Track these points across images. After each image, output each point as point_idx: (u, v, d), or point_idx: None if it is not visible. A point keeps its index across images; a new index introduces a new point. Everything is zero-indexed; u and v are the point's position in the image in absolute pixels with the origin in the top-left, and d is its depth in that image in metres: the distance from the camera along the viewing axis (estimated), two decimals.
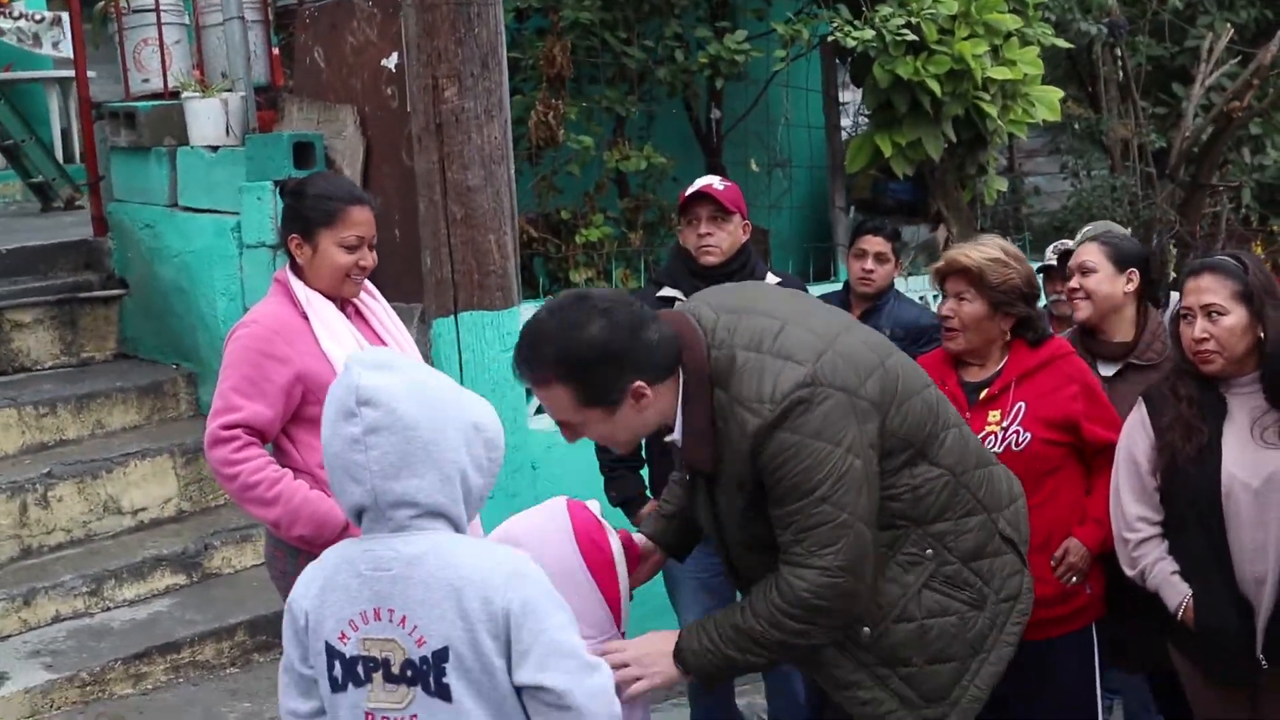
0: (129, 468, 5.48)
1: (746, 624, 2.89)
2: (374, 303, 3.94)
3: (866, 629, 2.99)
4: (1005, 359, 4.00)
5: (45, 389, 5.87)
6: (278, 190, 4.03)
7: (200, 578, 5.35)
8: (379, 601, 2.32)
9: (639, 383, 2.77)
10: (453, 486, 2.34)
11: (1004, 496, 3.22)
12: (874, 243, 5.33)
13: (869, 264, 5.31)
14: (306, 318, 3.71)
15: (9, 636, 4.96)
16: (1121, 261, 4.39)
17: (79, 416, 5.72)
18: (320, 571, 2.43)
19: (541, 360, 2.76)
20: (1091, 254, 4.40)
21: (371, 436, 2.28)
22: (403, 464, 2.30)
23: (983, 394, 3.95)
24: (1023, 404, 3.90)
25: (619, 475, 4.80)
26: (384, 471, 2.30)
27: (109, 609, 5.15)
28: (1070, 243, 5.19)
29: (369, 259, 3.79)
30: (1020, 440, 3.87)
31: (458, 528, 2.38)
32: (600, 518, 2.96)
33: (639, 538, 3.30)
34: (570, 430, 2.87)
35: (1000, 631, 3.12)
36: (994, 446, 3.86)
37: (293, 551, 3.63)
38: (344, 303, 3.84)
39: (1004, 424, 3.90)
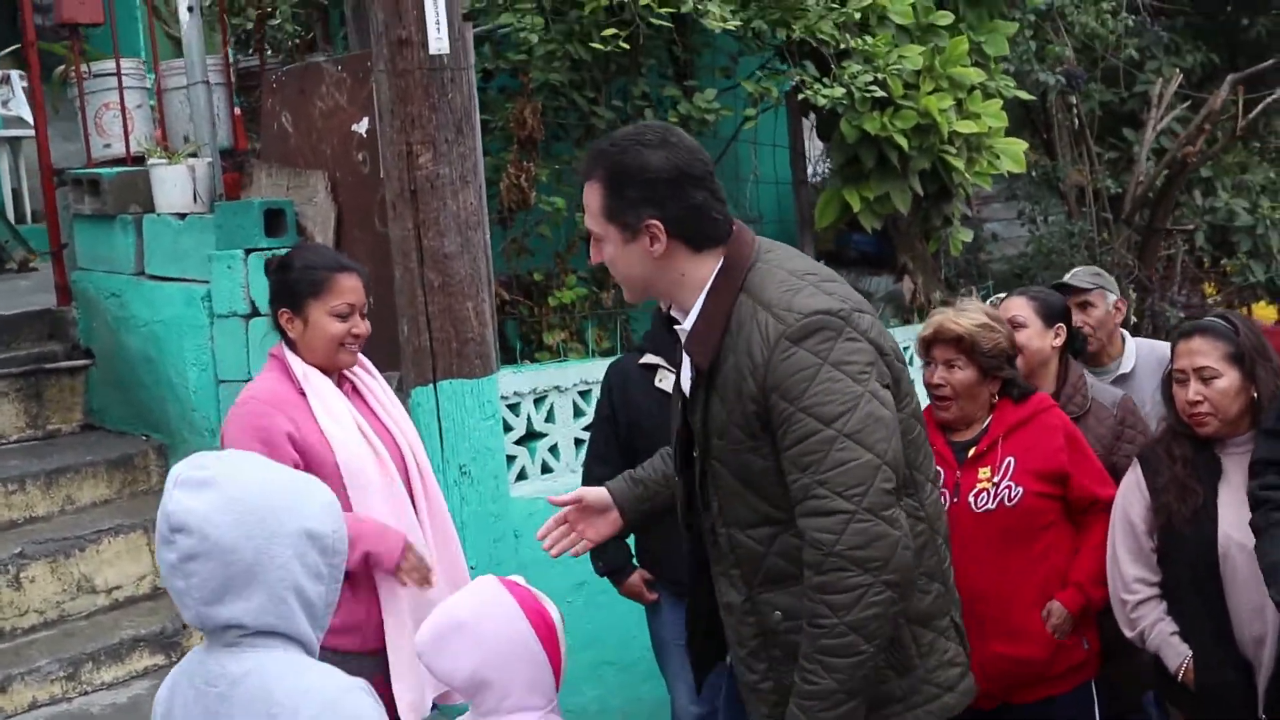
0: (102, 545, 5.37)
1: (812, 638, 2.77)
2: (370, 380, 3.92)
3: (779, 614, 2.92)
4: (990, 417, 4.01)
5: (12, 465, 5.75)
6: (264, 268, 3.99)
7: (179, 657, 5.24)
8: (208, 718, 2.24)
9: (655, 222, 2.79)
10: (284, 604, 2.21)
11: (956, 598, 3.15)
12: None
13: None
14: (304, 394, 3.67)
15: None
16: (1050, 316, 4.46)
17: (48, 492, 5.61)
18: (173, 676, 2.37)
19: (600, 154, 2.87)
20: (1020, 308, 4.45)
21: (189, 564, 2.16)
22: (225, 589, 2.17)
23: (971, 452, 3.96)
24: (1012, 459, 3.92)
25: (606, 544, 4.75)
26: (205, 598, 2.17)
27: (87, 693, 5.03)
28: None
29: (362, 327, 3.78)
30: (1013, 495, 3.89)
31: (300, 642, 2.26)
32: (530, 588, 3.02)
33: (594, 490, 3.42)
34: (596, 245, 2.91)
35: (906, 709, 2.97)
36: (987, 504, 3.88)
37: (323, 655, 3.55)
38: (340, 379, 3.79)
39: (995, 479, 3.91)
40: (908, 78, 6.43)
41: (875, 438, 2.72)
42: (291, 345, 3.77)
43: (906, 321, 7.29)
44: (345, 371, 3.86)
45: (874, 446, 2.72)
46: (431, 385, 5.07)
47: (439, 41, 5.08)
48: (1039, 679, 3.96)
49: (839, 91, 6.09)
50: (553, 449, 5.57)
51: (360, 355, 3.92)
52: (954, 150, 6.61)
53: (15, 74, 10.21)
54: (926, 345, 4.03)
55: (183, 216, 5.89)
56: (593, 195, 2.86)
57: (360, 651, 3.66)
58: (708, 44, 6.51)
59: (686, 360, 3.01)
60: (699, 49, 6.60)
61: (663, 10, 5.59)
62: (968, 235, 7.44)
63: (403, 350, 5.14)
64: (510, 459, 5.37)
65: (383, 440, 3.80)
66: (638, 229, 2.81)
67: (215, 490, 2.19)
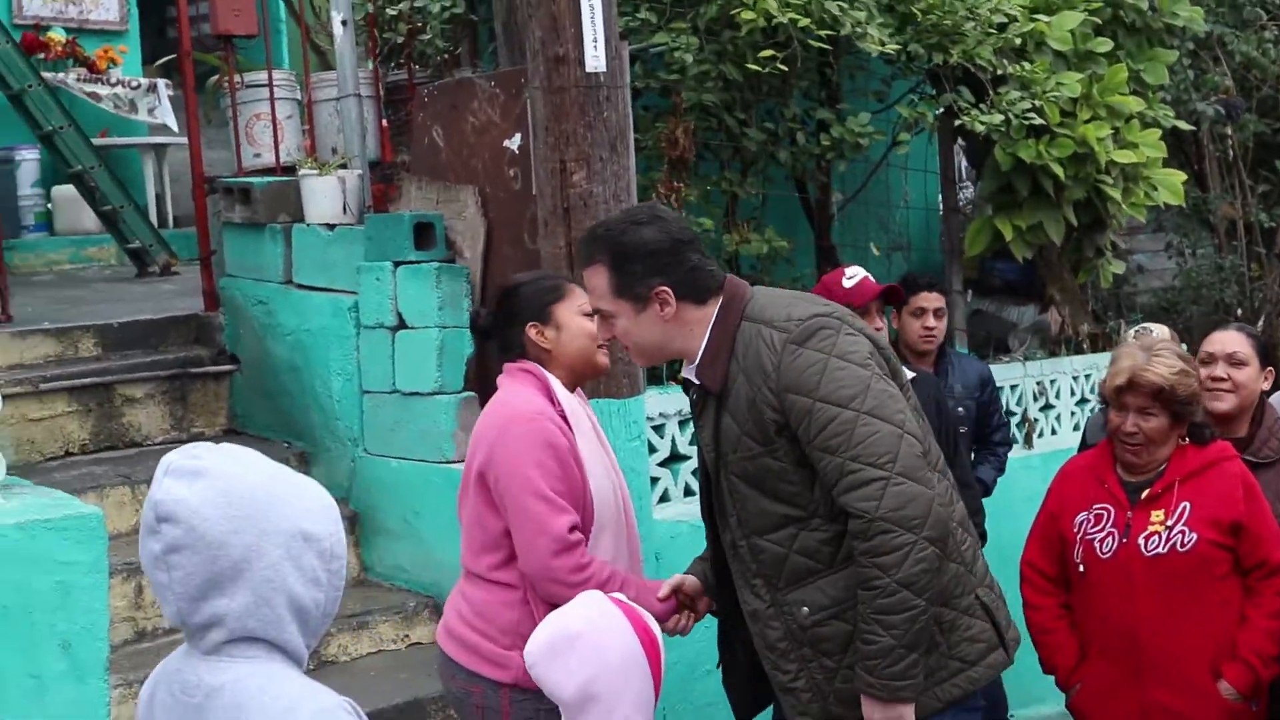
0: None
1: (867, 600, 2.95)
2: (589, 408, 3.78)
3: (806, 609, 3.10)
4: (1170, 457, 3.87)
5: (155, 466, 5.80)
6: (471, 322, 3.92)
7: (315, 665, 5.23)
8: None
9: (664, 288, 3.11)
10: (271, 609, 2.08)
11: (986, 574, 3.27)
12: (932, 299, 5.38)
13: (930, 321, 5.34)
14: (565, 418, 3.53)
15: None
16: (1264, 356, 4.30)
17: None
18: (155, 676, 2.28)
19: (596, 242, 3.22)
20: (1240, 345, 4.28)
21: (173, 556, 2.06)
22: (209, 585, 2.06)
23: (1145, 493, 3.83)
24: (1188, 504, 3.78)
25: None
26: (188, 593, 2.06)
27: None
28: (1154, 327, 4.91)
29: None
30: (1186, 541, 3.75)
31: (287, 651, 2.13)
32: (634, 605, 3.04)
33: (690, 578, 3.60)
34: (605, 324, 3.25)
35: (933, 684, 3.09)
36: (1158, 547, 3.74)
37: (493, 685, 3.47)
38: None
39: (1168, 523, 3.77)
40: (1065, 105, 6.30)
41: (892, 410, 2.96)
42: (539, 363, 3.62)
43: (1053, 354, 7.13)
44: (581, 403, 3.70)
45: (892, 418, 2.95)
46: None
47: (596, 59, 5.05)
48: None
49: (997, 118, 5.97)
50: (695, 471, 5.50)
51: None
52: (1110, 180, 6.45)
53: (162, 83, 10.42)
54: (1118, 392, 3.88)
55: (332, 227, 5.92)
56: (599, 277, 3.18)
57: None
58: (860, 67, 6.42)
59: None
60: (851, 71, 6.50)
61: (821, 32, 5.51)
62: (1119, 267, 7.26)
63: None
64: (654, 480, 5.31)
65: (616, 477, 3.69)
66: (648, 298, 3.14)
67: (207, 481, 2.10)
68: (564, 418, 3.52)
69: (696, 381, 3.22)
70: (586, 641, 2.85)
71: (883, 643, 2.94)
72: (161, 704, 2.19)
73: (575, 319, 3.62)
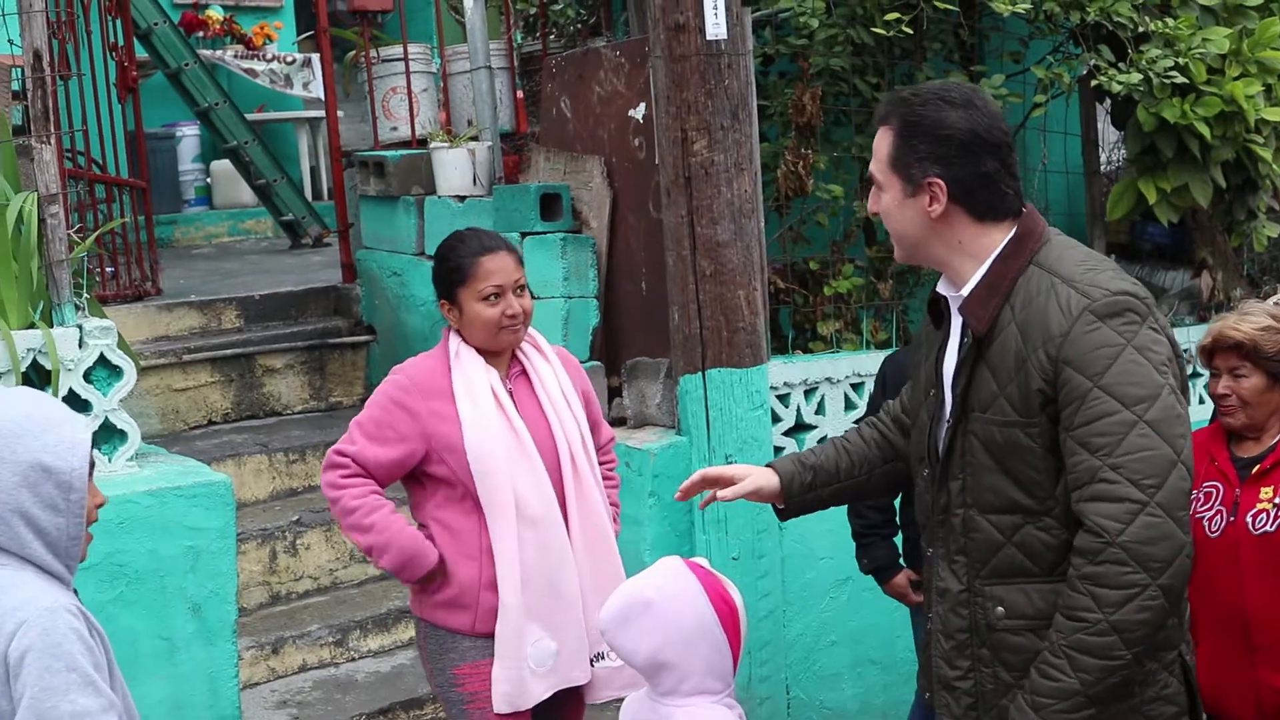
0: None
1: (1067, 632, 2.57)
2: (543, 364, 3.85)
3: (1002, 609, 2.74)
4: None
5: (295, 434, 5.96)
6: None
7: None
8: None
9: (938, 180, 2.71)
10: (8, 526, 2.45)
11: (1189, 639, 2.85)
12: None
13: None
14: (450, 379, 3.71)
15: (258, 684, 5.02)
16: None
17: None
18: None
19: (893, 104, 2.80)
20: None
21: None
22: None
23: (1255, 469, 3.69)
24: None
25: (870, 542, 4.63)
26: None
27: (354, 659, 5.18)
28: None
29: (517, 305, 3.70)
30: None
31: (40, 565, 2.48)
32: (714, 571, 2.96)
33: (766, 475, 3.18)
34: (874, 194, 2.83)
35: None
36: (1265, 525, 3.59)
37: (417, 621, 3.78)
38: (511, 361, 3.79)
39: (1276, 501, 3.61)
40: (1212, 62, 6.05)
41: (1175, 432, 2.56)
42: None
43: (1203, 320, 6.88)
44: (519, 355, 3.83)
45: (1173, 441, 2.55)
46: (700, 374, 5.01)
47: (716, 27, 5.01)
48: None
49: (1136, 78, 5.77)
50: (821, 441, 5.44)
51: (539, 338, 3.89)
52: (1261, 139, 6.19)
53: (315, 57, 10.63)
54: (1208, 354, 3.76)
55: (462, 199, 5.98)
56: (883, 141, 2.78)
57: (468, 633, 3.67)
58: (996, 28, 6.25)
59: (955, 327, 2.85)
60: (987, 33, 6.35)
61: None
62: (1274, 230, 6.97)
63: (672, 337, 5.10)
64: (778, 450, 5.27)
65: (534, 426, 3.73)
66: (919, 184, 2.73)
67: None
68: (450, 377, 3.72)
69: (954, 309, 2.84)
70: (657, 610, 2.84)
71: (1065, 684, 2.57)
72: None
73: (473, 305, 3.68)
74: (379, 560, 3.65)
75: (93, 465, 2.61)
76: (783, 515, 3.26)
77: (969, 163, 2.70)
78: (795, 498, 3.19)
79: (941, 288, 2.86)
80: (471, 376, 3.69)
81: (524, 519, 3.65)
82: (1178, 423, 2.57)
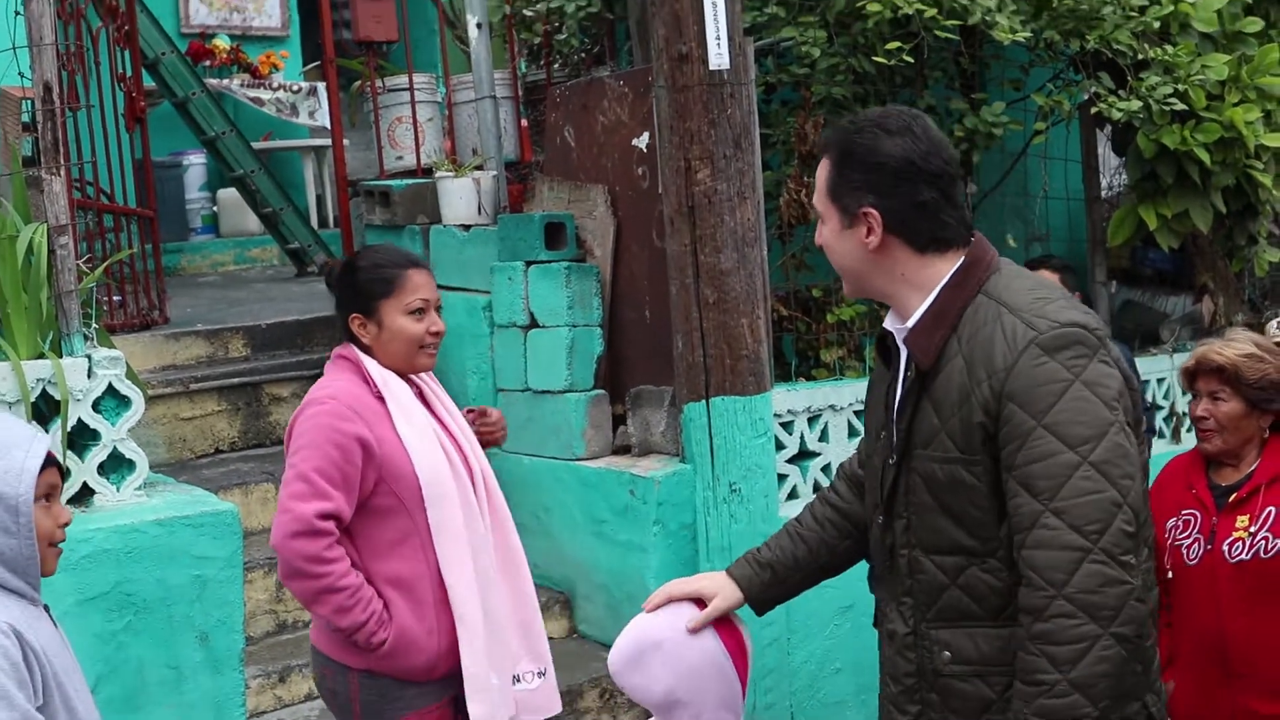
0: None
1: (1028, 698, 2.46)
2: (436, 386, 3.73)
3: (948, 654, 2.65)
4: (1259, 460, 3.76)
5: None
6: (325, 276, 3.83)
7: None
8: None
9: (872, 211, 2.60)
10: None
11: (1157, 676, 2.70)
12: (1047, 275, 5.18)
13: None
14: (382, 399, 3.50)
15: (264, 713, 5.03)
16: None
17: None
18: None
19: (838, 131, 2.75)
20: None
21: None
22: None
23: (1232, 497, 3.73)
24: (1274, 509, 3.66)
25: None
26: None
27: None
28: None
29: (439, 324, 3.58)
30: (1270, 547, 3.63)
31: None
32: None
33: (723, 588, 3.01)
34: (819, 227, 2.76)
35: None
36: (1241, 554, 3.63)
37: (341, 669, 3.52)
38: (408, 383, 3.61)
39: (1251, 529, 3.65)
40: (1211, 88, 6.11)
41: (1120, 473, 2.44)
42: (366, 351, 3.57)
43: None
44: (414, 377, 3.64)
45: (1118, 482, 2.44)
46: (704, 401, 5.04)
47: (719, 57, 5.06)
48: None
49: (1136, 104, 5.82)
50: (825, 469, 5.48)
51: None
52: (1261, 165, 6.25)
53: (321, 86, 10.69)
54: (1191, 376, 3.82)
55: (467, 228, 6.03)
56: (821, 172, 2.71)
57: (420, 679, 3.51)
58: (997, 56, 6.30)
59: (903, 361, 2.74)
60: (988, 61, 6.40)
61: (949, 23, 5.44)
62: (1275, 255, 7.03)
63: (676, 365, 5.13)
64: (782, 477, 5.30)
65: (455, 449, 3.60)
66: (855, 214, 2.63)
67: None
68: (380, 399, 3.50)
69: (899, 343, 2.73)
70: (668, 649, 2.87)
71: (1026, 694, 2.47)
72: None
73: (398, 319, 3.51)
74: (361, 637, 3.40)
75: (61, 484, 2.76)
76: (759, 612, 3.15)
77: (904, 192, 2.60)
78: (759, 597, 3.09)
79: (888, 323, 2.76)
80: (399, 396, 3.51)
81: (469, 545, 3.53)
82: (1125, 462, 2.46)
